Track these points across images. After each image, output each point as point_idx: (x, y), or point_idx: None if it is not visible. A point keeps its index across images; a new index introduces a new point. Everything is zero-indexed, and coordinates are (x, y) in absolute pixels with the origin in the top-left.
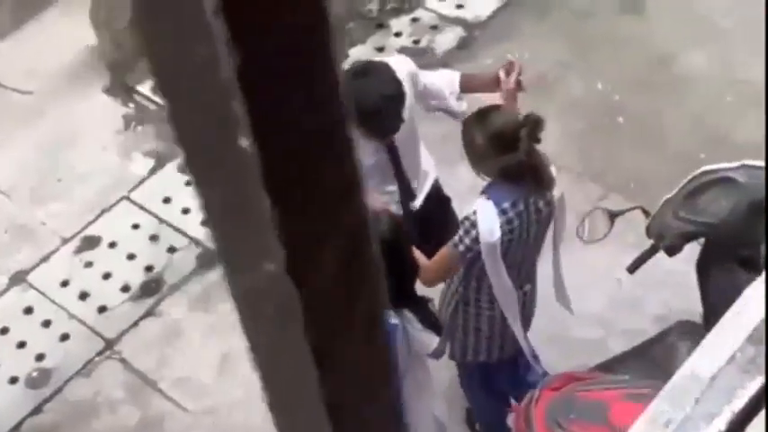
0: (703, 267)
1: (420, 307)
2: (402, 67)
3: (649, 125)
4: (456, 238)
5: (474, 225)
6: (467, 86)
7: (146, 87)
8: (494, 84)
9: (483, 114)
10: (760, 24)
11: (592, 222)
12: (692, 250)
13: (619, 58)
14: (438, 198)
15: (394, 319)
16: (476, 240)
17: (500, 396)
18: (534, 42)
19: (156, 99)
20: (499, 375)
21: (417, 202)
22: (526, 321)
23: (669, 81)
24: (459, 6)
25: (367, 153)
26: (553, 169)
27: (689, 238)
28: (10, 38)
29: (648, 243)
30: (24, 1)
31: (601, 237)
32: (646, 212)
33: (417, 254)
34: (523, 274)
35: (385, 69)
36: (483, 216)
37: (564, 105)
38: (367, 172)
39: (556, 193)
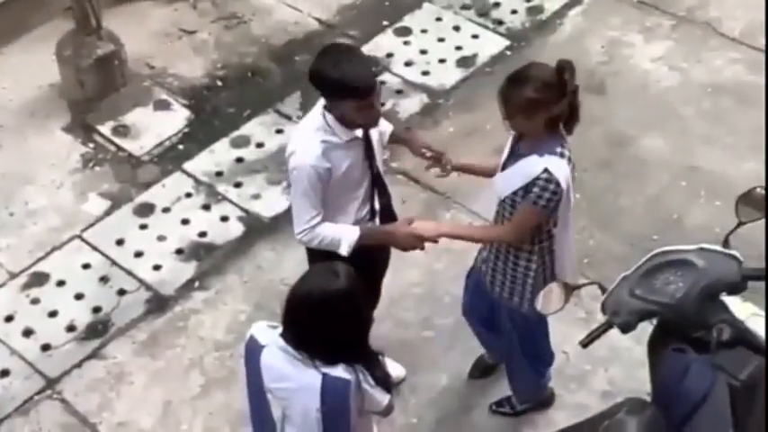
0: (655, 346)
1: (373, 362)
2: None
3: (605, 203)
4: (532, 197)
5: (549, 181)
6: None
7: (106, 128)
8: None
9: (522, 73)
10: (715, 116)
11: (547, 295)
12: (641, 328)
13: (579, 135)
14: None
15: (348, 374)
16: (554, 194)
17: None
18: (497, 115)
19: (115, 140)
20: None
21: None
22: None
23: (627, 162)
24: (425, 73)
25: (345, 154)
26: None
27: (643, 316)
28: None
29: (596, 319)
30: None
31: (556, 309)
32: (602, 288)
33: (464, 227)
34: None
35: (356, 49)
36: (557, 170)
37: None
38: (344, 178)
39: None
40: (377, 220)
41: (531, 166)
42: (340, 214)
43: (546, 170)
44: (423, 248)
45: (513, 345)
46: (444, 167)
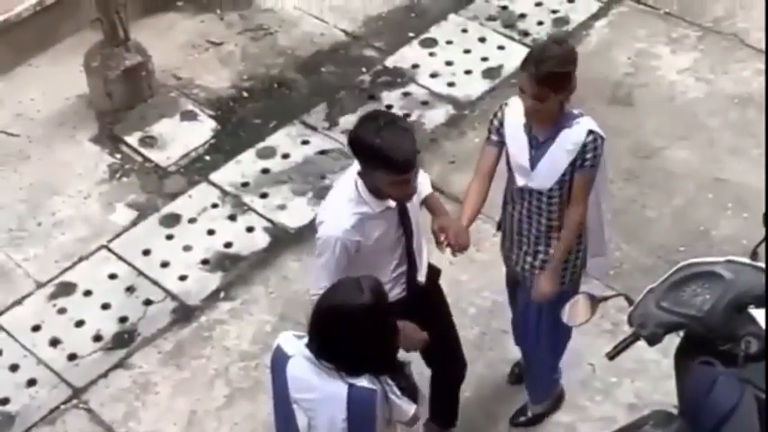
0: (682, 359)
1: (398, 373)
2: None
3: (632, 215)
4: (588, 163)
5: (596, 140)
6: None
7: (133, 139)
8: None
9: (548, 51)
10: (742, 126)
11: (574, 306)
12: (668, 340)
13: (605, 147)
14: (431, 273)
15: (373, 385)
16: (601, 148)
17: None
18: None
19: (142, 151)
20: None
21: (421, 276)
22: None
23: (653, 173)
24: (451, 84)
25: (377, 223)
26: None
27: (670, 328)
28: (1, 80)
29: (623, 331)
30: (17, 45)
31: (583, 321)
32: (629, 300)
33: (559, 250)
34: None
35: (403, 120)
36: (595, 126)
37: None
38: (376, 245)
39: None
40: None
41: (571, 136)
42: (373, 272)
43: (590, 132)
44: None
45: (539, 337)
46: (455, 252)
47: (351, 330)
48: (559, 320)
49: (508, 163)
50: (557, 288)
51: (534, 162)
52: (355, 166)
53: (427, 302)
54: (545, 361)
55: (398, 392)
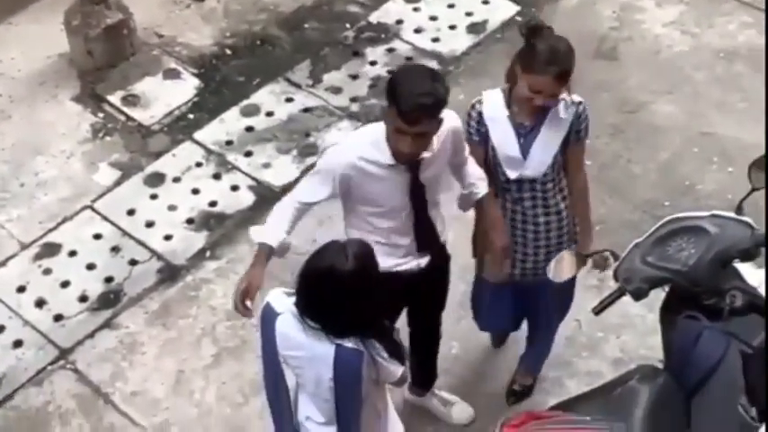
0: (667, 313)
1: (386, 336)
2: (448, 122)
3: (617, 170)
4: (582, 134)
5: (585, 109)
6: (477, 207)
7: (115, 98)
8: (495, 228)
9: (560, 47)
10: (728, 81)
11: (559, 262)
12: (653, 295)
13: (590, 102)
14: (440, 264)
15: (360, 347)
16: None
17: None
18: None
19: (125, 110)
20: None
21: (423, 260)
22: None
23: (638, 128)
24: (435, 40)
25: (381, 178)
26: None
27: (656, 283)
28: None
29: (609, 287)
30: None
31: (568, 276)
32: (614, 256)
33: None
34: None
35: (439, 76)
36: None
37: None
38: (373, 200)
39: None
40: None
41: (559, 115)
42: (363, 228)
43: (579, 102)
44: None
45: (553, 308)
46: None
47: (336, 295)
48: (566, 300)
49: (494, 158)
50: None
51: (525, 149)
52: (368, 128)
53: (427, 286)
54: (551, 332)
55: (385, 355)
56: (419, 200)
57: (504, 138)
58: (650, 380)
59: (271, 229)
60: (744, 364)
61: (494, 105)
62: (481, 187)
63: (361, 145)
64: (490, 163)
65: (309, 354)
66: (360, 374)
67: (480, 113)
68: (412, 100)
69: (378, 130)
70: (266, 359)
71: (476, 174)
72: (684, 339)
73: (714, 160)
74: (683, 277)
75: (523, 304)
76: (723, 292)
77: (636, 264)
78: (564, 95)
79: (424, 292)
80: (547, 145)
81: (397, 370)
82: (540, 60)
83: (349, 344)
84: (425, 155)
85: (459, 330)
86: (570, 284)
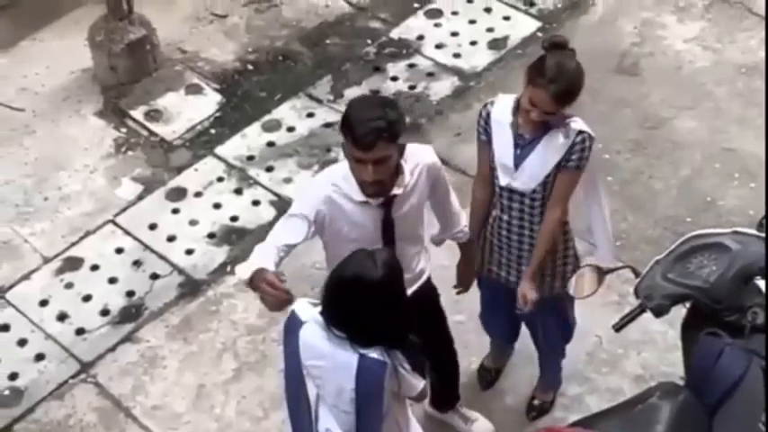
0: (688, 330)
1: (411, 348)
2: (424, 157)
3: (638, 186)
4: (574, 163)
5: (584, 140)
6: (460, 246)
7: (138, 113)
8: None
9: (566, 67)
10: (750, 96)
11: (580, 279)
12: (674, 312)
13: (612, 117)
14: (427, 297)
15: (384, 358)
16: (590, 149)
17: None
18: None
19: (148, 125)
20: None
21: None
22: None
23: (660, 143)
24: (456, 56)
25: (352, 213)
26: None
27: (677, 300)
28: (6, 54)
29: (629, 303)
30: (22, 19)
31: (589, 293)
32: (635, 272)
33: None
34: None
35: (391, 102)
36: (586, 127)
37: None
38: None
39: None
40: None
41: (560, 137)
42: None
43: (580, 132)
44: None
45: (551, 334)
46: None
47: (363, 304)
48: (562, 319)
49: (492, 161)
50: (543, 293)
51: (519, 161)
52: (334, 167)
53: (418, 312)
54: (556, 355)
55: (408, 367)
56: (389, 237)
57: (502, 143)
58: (671, 397)
59: (258, 261)
60: (765, 381)
61: (502, 109)
62: (463, 237)
63: (334, 179)
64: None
65: (332, 363)
66: (382, 385)
67: (488, 114)
68: (363, 126)
69: (345, 166)
70: (288, 370)
71: (460, 223)
72: (706, 356)
73: (735, 176)
74: (704, 294)
75: (519, 316)
76: (744, 308)
77: (657, 280)
78: (572, 120)
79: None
80: (540, 163)
81: (419, 384)
82: (543, 75)
83: (373, 354)
84: (397, 191)
85: (480, 345)
86: (564, 307)
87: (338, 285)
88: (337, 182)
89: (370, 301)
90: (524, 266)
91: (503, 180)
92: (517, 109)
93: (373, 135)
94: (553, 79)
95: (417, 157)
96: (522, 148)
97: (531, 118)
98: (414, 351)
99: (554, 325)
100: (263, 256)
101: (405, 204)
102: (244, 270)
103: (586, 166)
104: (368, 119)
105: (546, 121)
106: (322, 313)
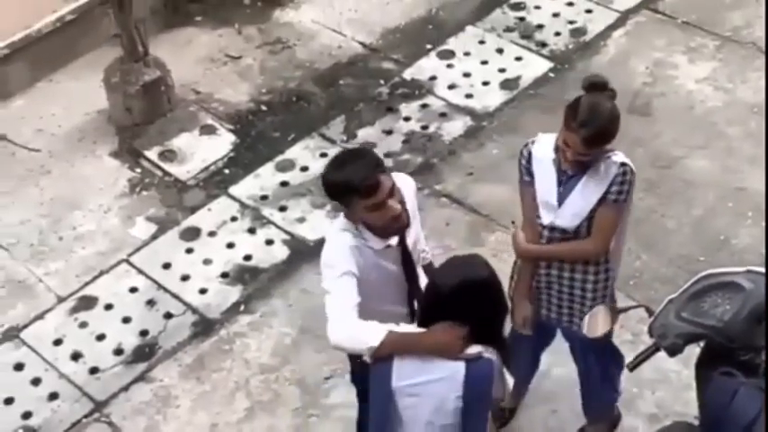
0: (702, 369)
1: (503, 348)
2: (407, 184)
3: (651, 225)
4: (612, 197)
5: (625, 173)
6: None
7: (153, 153)
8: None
9: (598, 110)
10: (762, 135)
11: (593, 317)
12: (688, 351)
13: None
14: None
15: (491, 356)
16: (630, 183)
17: None
18: None
19: (162, 165)
20: None
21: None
22: None
23: (673, 183)
24: (469, 96)
25: (377, 261)
26: None
27: (691, 339)
28: (22, 96)
29: (643, 342)
30: (38, 61)
31: (602, 332)
32: (649, 311)
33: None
34: None
35: (364, 150)
36: (627, 159)
37: None
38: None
39: None
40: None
41: (602, 171)
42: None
43: (621, 164)
44: (461, 351)
45: (590, 366)
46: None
47: (476, 304)
48: (604, 352)
49: (535, 199)
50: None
51: (562, 198)
52: (338, 222)
53: None
54: (602, 383)
55: (503, 366)
56: (411, 270)
57: (545, 180)
58: None
59: (369, 327)
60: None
61: (544, 147)
62: (426, 259)
63: (350, 229)
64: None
65: (434, 375)
66: (491, 383)
67: (530, 153)
68: (357, 176)
69: (346, 228)
70: (376, 405)
71: (425, 243)
72: (720, 396)
73: (749, 215)
74: (718, 333)
75: (546, 344)
76: (759, 348)
77: (671, 319)
78: (613, 153)
79: None
80: (583, 198)
81: (510, 381)
82: (575, 118)
83: (478, 352)
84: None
85: None
86: (605, 345)
87: (452, 291)
88: (354, 232)
89: (483, 299)
90: (573, 308)
91: (546, 218)
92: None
93: (373, 175)
94: (584, 123)
95: (403, 184)
96: (565, 184)
97: (567, 157)
98: (506, 349)
99: (597, 363)
100: (365, 323)
101: (410, 233)
102: (370, 338)
103: (630, 201)
104: (355, 169)
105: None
106: (421, 324)
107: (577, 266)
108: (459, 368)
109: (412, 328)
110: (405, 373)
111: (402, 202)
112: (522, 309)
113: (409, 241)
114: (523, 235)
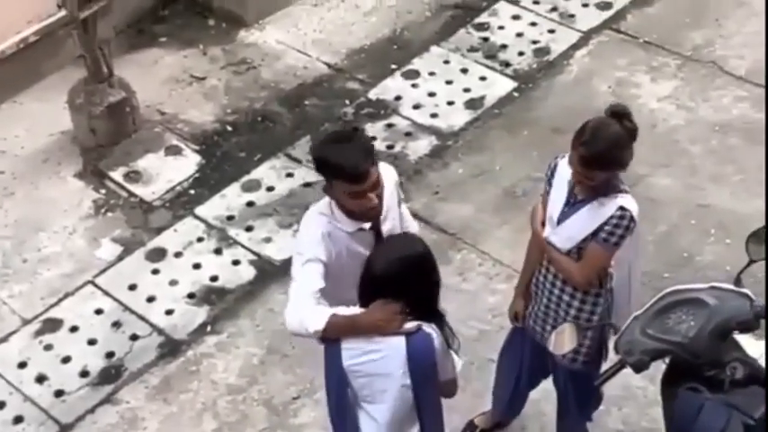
0: (668, 385)
1: (441, 323)
2: (389, 176)
3: None
4: (603, 236)
5: (623, 218)
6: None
7: (118, 174)
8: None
9: (600, 134)
10: (724, 153)
11: (560, 335)
12: (654, 367)
13: None
14: None
15: (430, 330)
16: (626, 229)
17: None
18: (506, 155)
19: (127, 186)
20: None
21: None
22: None
23: (636, 200)
24: (434, 116)
25: (347, 244)
26: None
27: (656, 355)
28: None
29: (609, 359)
30: (2, 83)
31: (568, 349)
32: (615, 328)
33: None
34: None
35: (360, 134)
36: (630, 205)
37: None
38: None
39: None
40: None
41: (604, 207)
42: (334, 293)
43: (621, 207)
44: (399, 327)
45: (569, 401)
46: None
47: (415, 278)
48: (585, 384)
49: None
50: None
51: (564, 218)
52: (318, 205)
53: None
54: (577, 417)
55: (445, 345)
56: None
57: (557, 196)
58: None
59: (318, 311)
60: None
61: (566, 165)
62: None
63: (326, 212)
64: None
65: (378, 354)
66: (433, 352)
67: (556, 165)
68: (350, 160)
69: (321, 208)
70: (331, 389)
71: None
72: (686, 411)
73: (712, 232)
74: (683, 349)
75: (537, 370)
76: (724, 363)
77: (636, 336)
78: (622, 195)
79: None
80: (579, 225)
81: (457, 363)
82: (578, 137)
83: (417, 324)
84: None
85: (461, 402)
86: (586, 377)
87: (386, 268)
88: (329, 216)
89: (421, 273)
90: (550, 322)
91: (546, 231)
92: None
93: (364, 165)
94: (585, 142)
95: (386, 175)
96: (572, 206)
97: (574, 177)
98: (445, 326)
99: (575, 398)
100: (313, 308)
101: (387, 221)
102: (314, 323)
103: (621, 245)
104: (350, 152)
105: (594, 186)
106: (362, 305)
107: (567, 287)
108: (400, 343)
109: (357, 310)
110: (352, 354)
111: (380, 196)
112: (515, 303)
113: (384, 228)
114: (542, 215)
